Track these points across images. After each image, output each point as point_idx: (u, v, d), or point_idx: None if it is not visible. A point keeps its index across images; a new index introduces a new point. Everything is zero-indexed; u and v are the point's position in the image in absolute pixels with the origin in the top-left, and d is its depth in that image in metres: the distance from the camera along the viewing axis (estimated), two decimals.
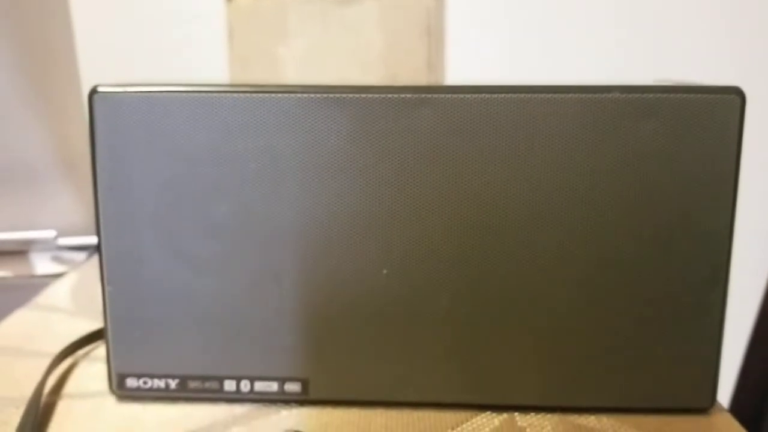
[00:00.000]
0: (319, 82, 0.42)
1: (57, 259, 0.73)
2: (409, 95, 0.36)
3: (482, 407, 0.40)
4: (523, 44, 0.78)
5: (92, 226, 0.75)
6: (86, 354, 0.47)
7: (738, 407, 0.69)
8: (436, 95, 0.36)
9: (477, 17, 0.77)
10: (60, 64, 0.74)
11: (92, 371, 0.44)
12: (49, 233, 0.74)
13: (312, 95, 0.36)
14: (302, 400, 0.40)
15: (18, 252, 0.75)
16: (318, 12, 0.73)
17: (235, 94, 0.36)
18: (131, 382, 0.40)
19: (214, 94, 0.36)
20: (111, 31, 0.77)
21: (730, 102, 0.35)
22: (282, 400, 0.40)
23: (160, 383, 0.40)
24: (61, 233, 0.75)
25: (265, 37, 0.74)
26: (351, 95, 0.36)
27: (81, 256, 0.73)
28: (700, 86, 0.35)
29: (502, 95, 0.35)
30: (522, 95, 0.35)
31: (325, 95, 0.36)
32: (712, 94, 0.35)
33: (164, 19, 0.77)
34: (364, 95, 0.36)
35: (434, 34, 0.74)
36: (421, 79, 0.75)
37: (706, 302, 0.37)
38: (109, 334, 0.39)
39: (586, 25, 0.77)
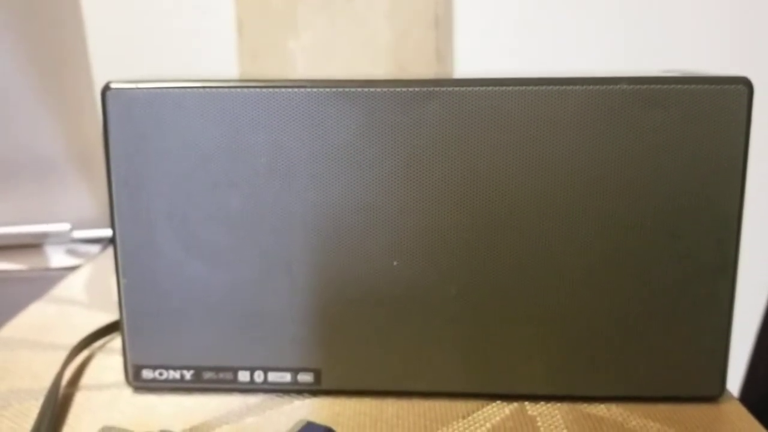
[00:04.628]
0: (328, 74, 0.42)
1: (72, 252, 0.73)
2: (417, 89, 0.36)
3: (492, 396, 0.40)
4: (531, 34, 0.78)
5: (106, 219, 0.75)
6: (102, 346, 0.48)
7: (748, 396, 0.69)
8: (443, 88, 0.36)
9: (485, 7, 0.77)
10: (72, 58, 0.74)
11: (108, 363, 0.45)
12: (63, 226, 0.75)
13: (321, 90, 0.36)
14: (315, 390, 0.40)
15: (33, 245, 0.75)
16: (326, 4, 0.73)
17: (245, 89, 0.36)
18: (147, 374, 0.41)
19: (225, 89, 0.37)
20: (121, 25, 0.77)
21: (737, 92, 0.35)
22: (295, 390, 0.41)
23: (175, 374, 0.40)
24: (76, 226, 0.76)
25: (275, 30, 0.74)
26: (360, 89, 0.36)
27: (95, 248, 0.74)
28: (708, 77, 0.35)
29: (510, 88, 0.36)
30: (529, 88, 0.35)
31: (334, 89, 0.36)
32: (719, 85, 0.35)
33: (174, 13, 0.77)
34: (372, 89, 0.36)
35: (442, 25, 0.74)
36: (430, 69, 0.75)
37: (715, 290, 0.37)
38: (125, 326, 0.40)
39: (594, 15, 0.77)
